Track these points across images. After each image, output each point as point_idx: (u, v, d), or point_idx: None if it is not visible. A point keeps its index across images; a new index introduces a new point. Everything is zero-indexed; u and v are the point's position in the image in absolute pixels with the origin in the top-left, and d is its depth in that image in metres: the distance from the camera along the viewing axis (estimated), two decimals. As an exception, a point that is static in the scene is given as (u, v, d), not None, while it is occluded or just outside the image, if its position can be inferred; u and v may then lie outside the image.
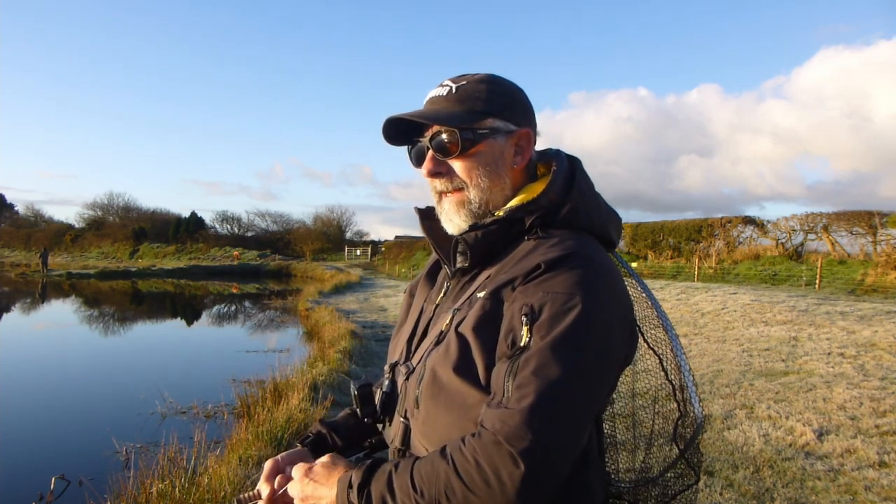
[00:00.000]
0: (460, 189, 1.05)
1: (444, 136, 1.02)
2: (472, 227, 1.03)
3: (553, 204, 1.02)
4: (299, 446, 1.19)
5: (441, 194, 1.08)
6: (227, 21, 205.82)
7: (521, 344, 0.88)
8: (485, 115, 1.03)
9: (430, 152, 1.05)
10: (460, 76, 1.08)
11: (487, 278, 1.00)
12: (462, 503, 0.82)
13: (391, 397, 1.08)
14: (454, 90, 1.04)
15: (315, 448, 1.18)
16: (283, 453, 1.15)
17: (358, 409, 1.12)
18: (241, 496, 1.08)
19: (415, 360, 1.06)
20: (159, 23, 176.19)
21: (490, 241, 1.02)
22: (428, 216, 1.14)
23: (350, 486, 0.89)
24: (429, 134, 1.05)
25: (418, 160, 1.09)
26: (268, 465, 1.10)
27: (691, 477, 1.15)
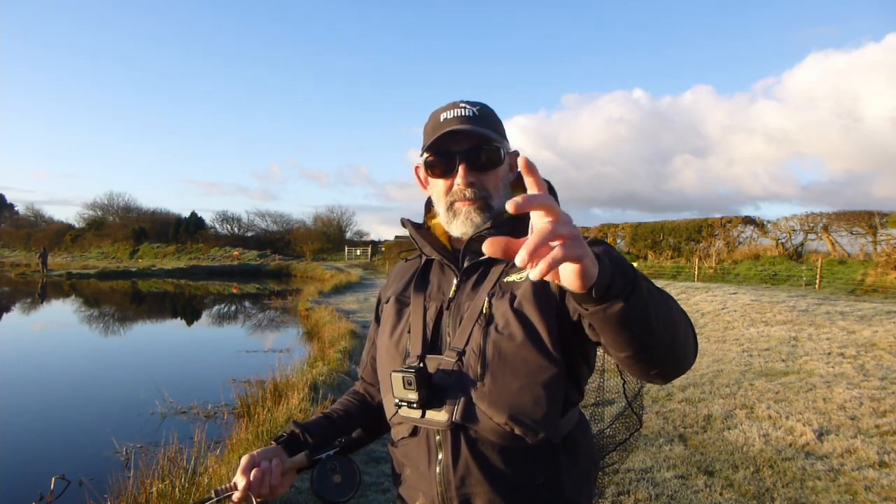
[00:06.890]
0: (486, 197, 1.19)
1: (489, 151, 1.18)
2: (492, 227, 1.17)
3: None
4: (274, 444, 1.27)
5: (468, 201, 1.19)
6: (225, 21, 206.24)
7: None
8: (502, 136, 1.24)
9: (465, 164, 1.18)
10: (467, 102, 1.23)
11: (509, 266, 1.14)
12: (684, 323, 0.96)
13: (436, 382, 1.13)
14: (477, 113, 1.20)
15: (288, 446, 1.27)
16: (258, 450, 1.23)
17: (416, 393, 1.12)
18: (218, 488, 1.17)
19: (458, 343, 1.14)
20: (158, 23, 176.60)
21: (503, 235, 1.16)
22: (418, 226, 1.30)
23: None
24: (465, 146, 1.18)
25: (449, 169, 1.20)
26: (244, 459, 1.19)
27: (635, 423, 1.48)
